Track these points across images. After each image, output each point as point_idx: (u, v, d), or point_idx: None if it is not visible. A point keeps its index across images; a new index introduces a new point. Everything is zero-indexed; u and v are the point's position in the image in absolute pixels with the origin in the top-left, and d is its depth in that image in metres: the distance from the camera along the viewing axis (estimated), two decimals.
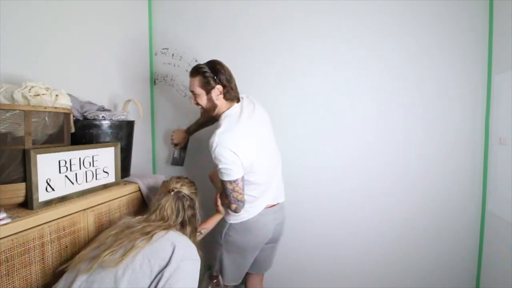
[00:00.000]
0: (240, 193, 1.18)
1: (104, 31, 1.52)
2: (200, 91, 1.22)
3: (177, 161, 1.84)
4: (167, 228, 0.94)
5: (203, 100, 1.23)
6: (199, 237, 1.20)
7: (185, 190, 1.09)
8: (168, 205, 1.03)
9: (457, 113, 1.51)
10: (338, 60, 1.62)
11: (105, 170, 1.15)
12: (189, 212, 1.07)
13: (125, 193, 1.20)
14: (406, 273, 1.63)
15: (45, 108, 0.91)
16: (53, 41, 1.23)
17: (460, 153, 1.52)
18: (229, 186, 1.16)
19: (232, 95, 1.24)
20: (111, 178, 1.18)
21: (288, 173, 1.59)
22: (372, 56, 1.57)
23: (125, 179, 1.32)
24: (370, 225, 1.65)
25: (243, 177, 1.18)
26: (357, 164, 1.63)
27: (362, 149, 1.62)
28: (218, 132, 1.15)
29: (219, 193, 1.27)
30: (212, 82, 1.20)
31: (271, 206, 1.33)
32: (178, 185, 1.09)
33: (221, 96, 1.21)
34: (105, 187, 1.15)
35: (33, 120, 0.88)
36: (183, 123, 1.83)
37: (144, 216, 1.02)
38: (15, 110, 0.85)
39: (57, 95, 0.96)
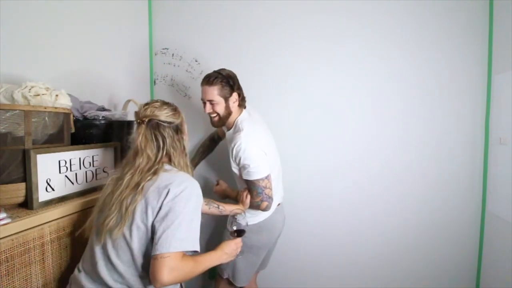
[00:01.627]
0: (270, 189, 1.22)
1: (104, 31, 1.52)
2: (219, 99, 1.24)
3: None
4: (155, 172, 0.84)
5: (222, 108, 1.26)
6: (212, 208, 1.18)
7: (160, 116, 0.90)
8: (142, 139, 0.87)
9: (457, 113, 1.51)
10: (337, 61, 1.62)
11: (105, 170, 1.15)
12: (170, 140, 0.90)
13: None
14: (406, 273, 1.63)
15: (45, 108, 0.91)
16: (53, 41, 1.23)
17: (460, 153, 1.52)
18: (262, 184, 1.20)
19: (244, 102, 1.32)
20: None
21: (288, 173, 1.59)
22: (372, 56, 1.57)
23: None
24: (369, 225, 1.65)
25: (269, 175, 1.22)
26: (357, 164, 1.63)
27: (361, 149, 1.62)
28: (243, 134, 1.19)
29: (247, 191, 1.25)
30: (230, 89, 1.24)
31: (278, 205, 1.38)
32: (148, 112, 0.90)
33: (237, 103, 1.28)
34: None
35: (33, 120, 0.88)
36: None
37: (126, 163, 0.90)
38: (15, 110, 0.85)
39: (57, 95, 0.96)
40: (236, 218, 1.11)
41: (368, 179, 1.62)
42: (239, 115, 1.30)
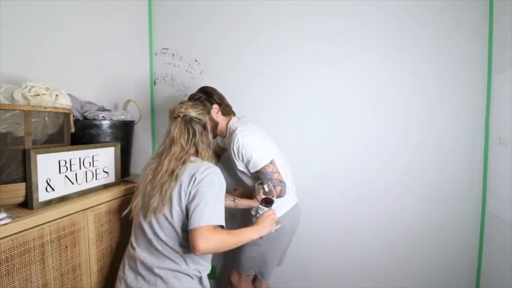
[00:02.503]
0: (279, 173, 1.28)
1: (104, 31, 1.52)
2: None
3: None
4: (183, 162, 0.99)
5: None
6: (228, 201, 1.30)
7: (191, 113, 1.06)
8: (177, 131, 1.03)
9: (457, 113, 1.51)
10: (338, 61, 1.62)
11: (105, 170, 1.15)
12: (199, 134, 1.06)
13: (125, 193, 1.20)
14: (406, 273, 1.63)
15: (45, 108, 0.91)
16: (53, 41, 1.23)
17: (460, 153, 1.52)
18: (269, 170, 1.26)
19: (227, 110, 1.40)
20: (111, 178, 1.18)
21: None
22: (372, 56, 1.57)
23: (125, 179, 1.32)
24: (369, 225, 1.65)
25: (273, 160, 1.28)
26: (357, 165, 1.63)
27: (361, 149, 1.62)
28: (238, 131, 1.29)
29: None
30: (208, 104, 1.34)
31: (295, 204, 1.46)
32: (182, 109, 1.06)
33: (219, 113, 1.37)
34: (105, 187, 1.15)
35: (33, 120, 0.88)
36: None
37: (163, 150, 1.04)
38: (15, 110, 0.85)
39: (57, 95, 0.96)
40: (263, 187, 1.13)
41: (368, 179, 1.62)
42: (229, 121, 1.40)
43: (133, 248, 1.00)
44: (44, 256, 0.86)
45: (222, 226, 0.95)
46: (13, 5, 1.06)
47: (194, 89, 1.84)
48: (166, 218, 0.95)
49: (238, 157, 1.29)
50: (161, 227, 0.96)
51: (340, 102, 1.63)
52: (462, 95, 1.50)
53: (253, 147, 1.26)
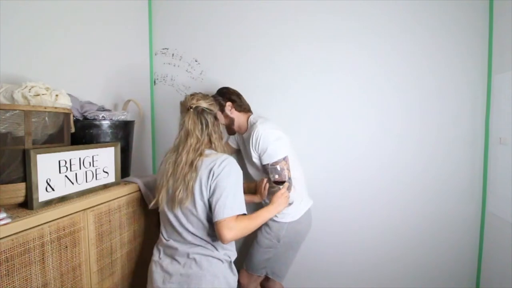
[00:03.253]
0: (289, 170, 1.33)
1: (104, 31, 1.52)
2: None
3: None
4: (200, 154, 1.03)
5: (222, 119, 1.45)
6: None
7: (203, 104, 1.10)
8: (191, 123, 1.06)
9: (457, 113, 1.52)
10: (338, 61, 1.62)
11: (105, 170, 1.15)
12: (212, 124, 1.10)
13: (125, 193, 1.19)
14: (406, 272, 1.63)
15: (45, 108, 0.91)
16: (53, 41, 1.23)
17: (460, 153, 1.52)
18: (281, 165, 1.30)
19: (243, 107, 1.47)
20: (111, 178, 1.18)
21: None
22: (372, 56, 1.57)
23: (125, 179, 1.32)
24: (369, 225, 1.65)
25: (287, 156, 1.33)
26: (357, 164, 1.63)
27: (361, 149, 1.62)
28: (258, 124, 1.36)
29: (266, 180, 1.36)
30: (222, 101, 1.42)
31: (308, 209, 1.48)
32: (194, 101, 1.09)
33: (233, 109, 1.44)
34: (105, 187, 1.15)
35: (33, 120, 0.88)
36: None
37: (179, 143, 1.08)
38: (15, 110, 0.85)
39: (57, 95, 0.96)
40: (276, 168, 1.24)
41: (368, 179, 1.63)
42: (248, 117, 1.47)
43: (166, 240, 1.08)
44: (44, 256, 0.86)
45: (244, 214, 1.02)
46: (13, 5, 1.06)
47: (194, 89, 1.85)
48: (192, 212, 1.01)
49: (255, 148, 1.35)
50: (189, 220, 1.02)
51: (340, 102, 1.63)
52: (462, 95, 1.50)
53: (270, 139, 1.32)
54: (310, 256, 1.73)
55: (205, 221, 1.02)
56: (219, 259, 1.04)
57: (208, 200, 1.00)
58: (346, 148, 1.64)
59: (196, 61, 1.82)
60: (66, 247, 0.94)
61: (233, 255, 1.10)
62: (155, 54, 1.89)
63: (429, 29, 1.51)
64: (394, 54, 1.55)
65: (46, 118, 0.92)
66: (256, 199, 1.39)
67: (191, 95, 1.13)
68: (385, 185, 1.61)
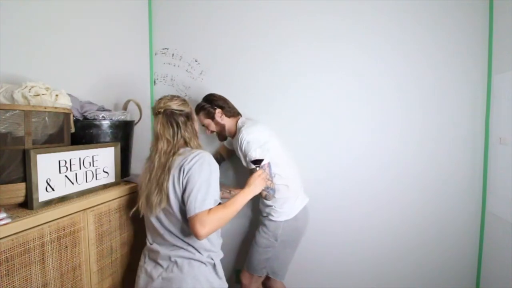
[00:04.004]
0: (268, 179, 1.31)
1: (104, 31, 1.52)
2: (207, 121, 1.49)
3: None
4: (173, 154, 1.02)
5: (213, 126, 1.49)
6: (224, 193, 1.41)
7: (172, 106, 1.07)
8: (160, 127, 1.05)
9: (457, 113, 1.51)
10: (337, 61, 1.62)
11: (105, 170, 1.15)
12: (184, 125, 1.07)
13: (125, 193, 1.20)
14: (406, 272, 1.63)
15: (45, 108, 0.91)
16: (53, 41, 1.23)
17: (460, 153, 1.52)
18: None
19: (232, 112, 1.50)
20: (111, 178, 1.18)
21: None
22: (372, 57, 1.57)
23: (125, 179, 1.32)
24: (369, 225, 1.65)
25: (269, 163, 1.33)
26: (357, 165, 1.63)
27: (361, 150, 1.62)
28: (243, 128, 1.37)
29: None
30: (211, 110, 1.46)
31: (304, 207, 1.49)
32: (162, 104, 1.07)
33: (224, 116, 1.47)
34: (105, 187, 1.15)
35: (33, 120, 0.88)
36: None
37: (152, 148, 1.07)
38: (15, 110, 0.85)
39: (57, 95, 0.96)
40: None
41: (368, 179, 1.63)
42: (237, 121, 1.49)
43: (150, 243, 1.08)
44: (44, 256, 0.86)
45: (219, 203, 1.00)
46: (13, 5, 1.06)
47: (194, 89, 1.85)
48: (170, 212, 1.00)
49: (241, 153, 1.37)
50: (170, 221, 1.01)
51: (340, 102, 1.63)
52: (462, 95, 1.50)
53: (251, 146, 1.32)
54: (311, 256, 1.73)
55: (181, 219, 1.00)
56: (201, 262, 1.02)
57: (182, 197, 0.98)
58: (346, 148, 1.64)
59: (196, 61, 1.82)
60: (66, 247, 0.94)
61: (217, 256, 1.08)
62: (155, 54, 1.89)
63: (429, 29, 1.51)
64: (394, 54, 1.55)
65: (46, 118, 0.92)
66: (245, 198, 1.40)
67: (159, 99, 1.10)
68: (385, 185, 1.61)
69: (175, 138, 1.04)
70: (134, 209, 1.07)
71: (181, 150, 1.04)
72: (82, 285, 1.00)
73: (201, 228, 0.91)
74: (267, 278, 1.50)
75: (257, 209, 1.57)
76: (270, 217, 1.42)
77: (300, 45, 1.65)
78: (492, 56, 1.45)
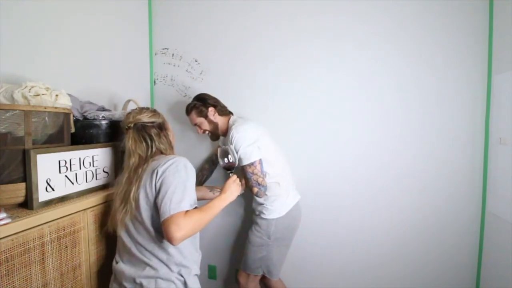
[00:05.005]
0: (260, 176, 1.33)
1: (104, 31, 1.52)
2: (200, 120, 1.48)
3: None
4: (146, 161, 0.97)
5: (206, 125, 1.49)
6: (209, 193, 1.40)
7: (142, 119, 1.02)
8: (131, 143, 0.99)
9: (457, 113, 1.51)
10: (337, 61, 1.62)
11: (105, 170, 1.15)
12: (157, 137, 1.02)
13: None
14: (406, 272, 1.63)
15: (45, 108, 0.91)
16: (53, 41, 1.23)
17: (460, 153, 1.52)
18: (249, 170, 1.32)
19: (224, 110, 1.51)
20: (111, 178, 1.18)
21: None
22: (372, 56, 1.57)
23: None
24: (369, 225, 1.65)
25: (261, 160, 1.34)
26: (357, 164, 1.63)
27: (361, 149, 1.62)
28: (234, 127, 1.36)
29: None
30: (203, 108, 1.46)
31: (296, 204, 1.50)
32: (131, 119, 1.02)
33: (216, 114, 1.47)
34: (105, 187, 1.15)
35: (33, 120, 0.88)
36: (183, 123, 1.84)
37: (124, 164, 1.02)
38: (15, 110, 0.85)
39: (57, 95, 0.96)
40: (227, 151, 1.17)
41: (367, 179, 1.62)
42: (228, 120, 1.49)
43: (117, 262, 1.01)
44: (44, 256, 0.86)
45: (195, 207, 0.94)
46: (13, 5, 1.06)
47: (194, 89, 1.85)
48: (139, 220, 0.94)
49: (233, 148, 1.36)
50: (137, 230, 0.95)
51: (340, 102, 1.63)
52: (462, 95, 1.50)
53: (241, 144, 1.32)
54: (310, 256, 1.73)
55: (151, 228, 0.93)
56: (169, 281, 0.93)
57: (155, 201, 0.90)
58: (346, 148, 1.64)
59: (196, 61, 1.82)
60: (66, 247, 0.94)
61: (189, 273, 0.97)
62: (155, 54, 1.89)
63: (429, 29, 1.51)
64: (394, 54, 1.55)
65: (46, 118, 0.92)
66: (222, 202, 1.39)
67: (128, 113, 1.06)
68: (385, 185, 1.61)
69: (149, 152, 0.99)
70: (105, 228, 1.02)
71: (156, 157, 0.99)
72: (82, 285, 1.00)
73: (177, 230, 0.82)
74: (267, 278, 1.50)
75: (251, 207, 1.57)
76: (262, 215, 1.42)
77: (300, 45, 1.65)
78: (492, 56, 1.45)
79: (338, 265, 1.70)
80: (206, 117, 1.46)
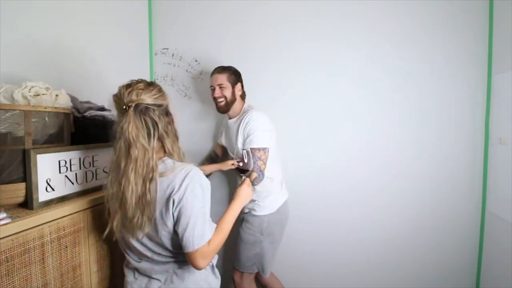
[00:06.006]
0: (264, 164, 1.34)
1: (104, 31, 1.52)
2: (227, 84, 1.45)
3: None
4: (153, 170, 0.80)
5: (229, 93, 1.45)
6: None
7: (146, 99, 0.82)
8: (132, 128, 0.79)
9: (457, 113, 1.51)
10: (337, 61, 1.62)
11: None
12: (163, 124, 0.84)
13: None
14: (406, 272, 1.63)
15: (45, 108, 0.91)
16: (53, 41, 1.23)
17: (460, 153, 1.52)
18: (257, 154, 1.32)
19: (244, 95, 1.52)
20: None
21: (286, 173, 1.60)
22: (372, 56, 1.57)
23: None
24: (369, 225, 1.65)
25: (268, 149, 1.35)
26: (356, 164, 1.63)
27: (361, 150, 1.62)
28: (253, 111, 1.38)
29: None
30: (236, 78, 1.47)
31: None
32: (134, 96, 0.81)
33: (240, 93, 1.48)
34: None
35: (33, 120, 0.88)
36: (183, 123, 1.83)
37: (120, 156, 0.82)
38: (15, 110, 0.85)
39: (57, 95, 0.96)
40: (249, 154, 1.14)
41: (367, 179, 1.63)
42: (243, 105, 1.49)
43: (137, 261, 0.93)
44: (44, 256, 0.86)
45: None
46: (13, 5, 1.06)
47: (194, 89, 1.85)
48: (157, 242, 0.87)
49: (244, 130, 1.36)
50: (156, 246, 0.88)
51: (340, 102, 1.63)
52: (462, 95, 1.50)
53: (261, 127, 1.34)
54: (310, 256, 1.73)
55: (169, 245, 0.86)
56: None
57: (174, 228, 0.83)
58: (346, 148, 1.64)
59: (196, 61, 1.82)
60: (66, 247, 0.94)
61: (215, 257, 0.99)
62: (155, 54, 1.89)
63: (429, 29, 1.51)
64: (395, 54, 1.55)
65: (46, 118, 0.92)
66: (221, 166, 1.40)
67: (127, 86, 0.83)
68: (385, 185, 1.61)
69: (152, 143, 0.81)
70: (107, 231, 0.89)
71: (161, 166, 0.83)
72: (82, 285, 1.00)
73: (203, 261, 0.81)
74: (260, 275, 1.51)
75: None
76: (253, 212, 1.43)
77: (300, 45, 1.65)
78: (492, 56, 1.45)
79: (338, 265, 1.70)
80: (233, 86, 1.45)
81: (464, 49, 1.48)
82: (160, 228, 0.83)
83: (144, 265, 0.92)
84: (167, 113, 0.87)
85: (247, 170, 1.13)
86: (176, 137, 0.90)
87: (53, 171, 0.93)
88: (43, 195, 0.90)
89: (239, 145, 1.39)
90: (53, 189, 0.93)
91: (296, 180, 1.68)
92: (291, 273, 1.75)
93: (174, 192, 0.80)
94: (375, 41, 1.56)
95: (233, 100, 1.45)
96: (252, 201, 1.43)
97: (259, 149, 1.32)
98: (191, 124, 1.83)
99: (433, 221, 1.58)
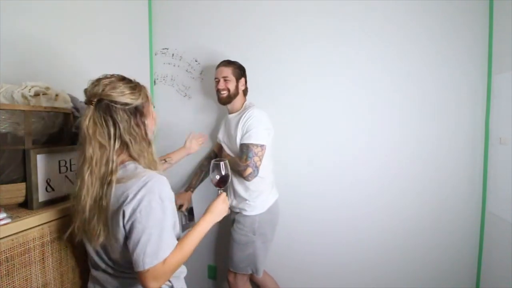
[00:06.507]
0: (260, 161, 1.35)
1: (104, 31, 1.52)
2: (232, 77, 1.47)
3: (188, 225, 1.59)
4: (112, 172, 0.73)
5: (233, 86, 1.46)
6: (164, 165, 1.28)
7: (113, 95, 0.74)
8: (90, 124, 0.73)
9: (457, 113, 1.51)
10: (336, 61, 1.62)
11: None
12: (126, 125, 0.75)
13: None
14: (405, 273, 1.63)
15: (45, 108, 0.91)
16: (53, 41, 1.23)
17: (460, 153, 1.52)
18: (254, 149, 1.33)
19: (246, 91, 1.54)
20: None
21: (286, 173, 1.59)
22: (371, 57, 1.57)
23: None
24: (369, 225, 1.64)
25: (265, 147, 1.37)
26: (356, 164, 1.63)
27: (361, 150, 1.62)
28: (254, 107, 1.42)
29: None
30: (241, 73, 1.50)
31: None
32: (98, 90, 0.75)
33: (243, 88, 1.51)
34: None
35: (33, 120, 0.88)
36: (183, 123, 1.84)
37: (80, 152, 0.77)
38: (15, 110, 0.85)
39: (57, 95, 0.96)
40: (226, 166, 0.99)
41: (367, 179, 1.62)
42: (245, 101, 1.52)
43: (95, 270, 0.87)
44: (44, 256, 0.86)
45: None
46: (13, 5, 1.06)
47: (194, 89, 1.85)
48: (112, 248, 0.78)
49: (243, 125, 1.37)
50: (109, 259, 0.82)
51: (340, 102, 1.63)
52: (462, 95, 1.50)
53: (260, 123, 1.36)
54: (310, 256, 1.73)
55: (124, 262, 0.79)
56: None
57: (125, 242, 0.74)
58: (345, 148, 1.64)
59: (196, 61, 1.82)
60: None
61: (178, 277, 0.88)
62: (155, 54, 1.89)
63: (429, 29, 1.51)
64: (394, 54, 1.55)
65: (46, 118, 0.92)
66: (185, 151, 1.45)
67: (96, 80, 0.78)
68: (384, 184, 1.61)
69: (111, 144, 0.74)
70: (68, 232, 0.82)
71: (121, 171, 0.75)
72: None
73: (154, 283, 0.71)
74: (253, 276, 1.51)
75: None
76: (244, 212, 1.43)
77: (300, 45, 1.65)
78: (492, 56, 1.45)
79: (338, 265, 1.70)
80: (237, 80, 1.47)
81: (464, 49, 1.48)
82: (112, 240, 0.75)
83: (100, 275, 0.84)
84: (135, 113, 0.78)
85: (226, 182, 1.00)
86: (146, 141, 0.80)
87: (53, 171, 0.93)
88: (43, 195, 0.90)
89: (238, 139, 1.39)
90: (53, 189, 0.93)
91: (296, 180, 1.68)
92: (291, 273, 1.75)
93: (126, 202, 0.71)
94: (375, 41, 1.56)
95: (236, 93, 1.47)
96: (243, 200, 1.43)
97: (257, 145, 1.34)
98: (191, 124, 1.83)
99: (433, 221, 1.57)
